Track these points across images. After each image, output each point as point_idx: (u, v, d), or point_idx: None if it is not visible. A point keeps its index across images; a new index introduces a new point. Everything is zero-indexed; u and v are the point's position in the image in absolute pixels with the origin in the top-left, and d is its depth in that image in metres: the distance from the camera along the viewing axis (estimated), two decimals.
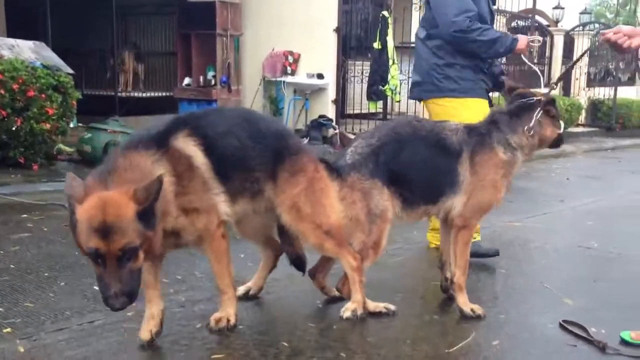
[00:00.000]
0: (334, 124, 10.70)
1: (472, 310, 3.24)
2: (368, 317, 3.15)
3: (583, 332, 3.13)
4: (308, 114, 10.68)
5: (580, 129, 14.62)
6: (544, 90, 3.49)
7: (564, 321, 3.25)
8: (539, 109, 3.29)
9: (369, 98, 11.02)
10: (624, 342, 3.08)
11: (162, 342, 2.82)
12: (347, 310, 3.11)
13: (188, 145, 2.62)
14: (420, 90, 4.23)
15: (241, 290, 3.32)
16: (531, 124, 3.27)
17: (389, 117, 12.24)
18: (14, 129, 6.45)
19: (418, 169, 3.22)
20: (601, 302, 3.65)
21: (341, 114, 11.60)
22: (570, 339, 3.10)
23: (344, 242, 3.06)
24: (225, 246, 2.82)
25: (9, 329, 2.88)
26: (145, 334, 2.76)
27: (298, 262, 3.24)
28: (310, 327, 3.07)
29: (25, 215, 5.10)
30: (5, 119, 6.36)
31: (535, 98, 3.32)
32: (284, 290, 3.55)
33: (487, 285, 3.90)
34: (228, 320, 2.88)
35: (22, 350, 2.68)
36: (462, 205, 3.23)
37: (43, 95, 6.68)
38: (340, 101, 11.59)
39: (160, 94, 11.36)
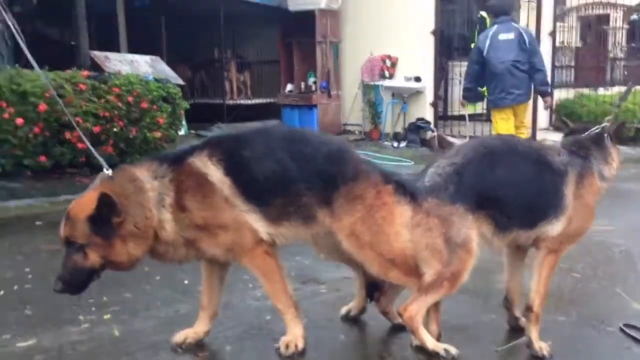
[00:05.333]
0: (432, 126, 10.79)
1: (540, 348, 2.97)
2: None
3: None
4: (406, 116, 10.82)
5: None
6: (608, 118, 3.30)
7: (624, 325, 3.26)
8: (611, 138, 3.14)
9: (464, 99, 10.97)
10: None
11: (234, 331, 3.17)
12: (414, 340, 2.98)
13: (206, 164, 2.76)
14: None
15: (343, 311, 3.34)
16: (612, 155, 3.11)
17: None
18: (130, 137, 7.19)
19: (517, 189, 2.93)
20: None
21: (443, 115, 11.66)
22: (627, 342, 3.12)
23: (412, 271, 2.88)
24: (271, 264, 2.86)
25: (109, 315, 3.36)
26: (179, 337, 3.00)
27: (371, 288, 3.22)
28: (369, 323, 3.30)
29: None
30: (123, 129, 7.11)
31: (602, 126, 3.16)
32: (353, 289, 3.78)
33: (555, 288, 3.91)
34: (296, 346, 2.89)
35: (117, 334, 3.14)
36: (561, 231, 2.96)
37: (154, 107, 7.40)
38: (443, 102, 11.64)
39: (264, 101, 11.95)
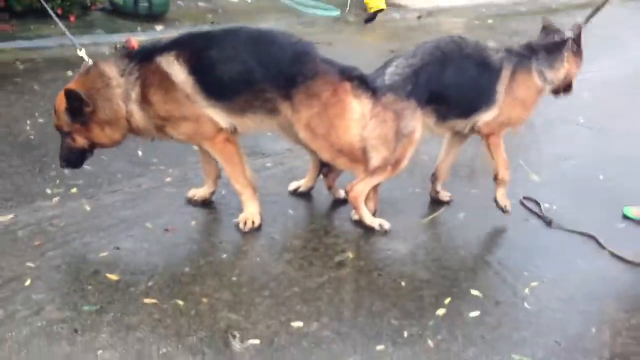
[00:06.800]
0: None
1: (505, 205, 3.63)
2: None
3: (537, 208, 3.82)
4: None
5: None
6: (574, 27, 3.52)
7: (524, 197, 3.92)
8: (567, 48, 3.45)
9: None
10: (626, 218, 3.77)
11: (196, 207, 3.58)
12: (354, 214, 3.51)
13: (171, 64, 3.07)
14: None
15: (291, 187, 3.79)
16: (563, 63, 3.45)
17: None
18: None
19: (460, 87, 3.37)
20: (563, 179, 4.28)
21: None
22: (527, 214, 3.80)
23: (358, 159, 3.29)
24: (231, 150, 3.26)
25: (75, 189, 3.65)
26: (190, 193, 3.62)
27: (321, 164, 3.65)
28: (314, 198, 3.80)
29: (70, 72, 5.68)
30: None
31: (566, 37, 3.45)
32: (296, 161, 4.22)
33: (469, 161, 4.46)
34: (253, 222, 3.35)
35: (87, 209, 3.46)
36: (493, 119, 3.43)
37: None
38: None
39: None
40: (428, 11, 10.60)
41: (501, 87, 3.40)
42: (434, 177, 3.84)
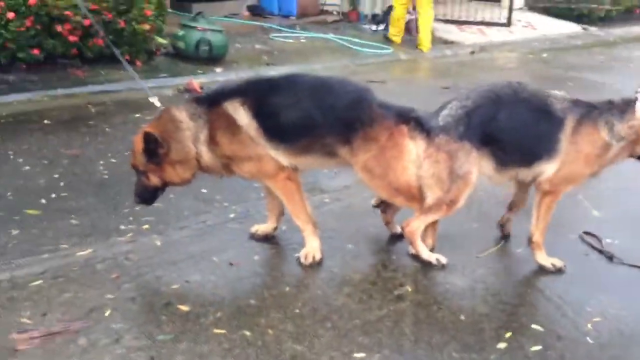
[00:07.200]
0: (411, 8, 10.90)
1: (552, 264, 3.53)
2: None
3: (597, 243, 3.82)
4: None
5: None
6: None
7: (584, 232, 3.93)
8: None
9: None
10: None
11: (258, 242, 3.74)
12: (411, 249, 3.57)
13: (236, 109, 3.29)
14: None
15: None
16: (635, 116, 3.27)
17: None
18: (119, 29, 7.28)
19: (515, 131, 3.33)
20: (625, 214, 4.26)
21: None
22: (587, 249, 3.80)
23: (414, 197, 3.42)
24: (292, 187, 3.43)
25: (147, 226, 3.86)
26: (253, 228, 3.77)
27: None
28: (371, 232, 3.90)
29: (138, 115, 6.05)
30: (111, 21, 7.18)
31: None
32: (353, 198, 4.35)
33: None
34: (314, 257, 3.48)
35: (158, 244, 3.66)
36: (555, 172, 3.36)
37: None
38: None
39: None
40: (481, 47, 10.70)
41: (564, 137, 3.33)
42: (510, 207, 3.86)
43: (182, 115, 3.35)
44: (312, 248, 3.52)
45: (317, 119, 3.32)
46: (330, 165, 3.55)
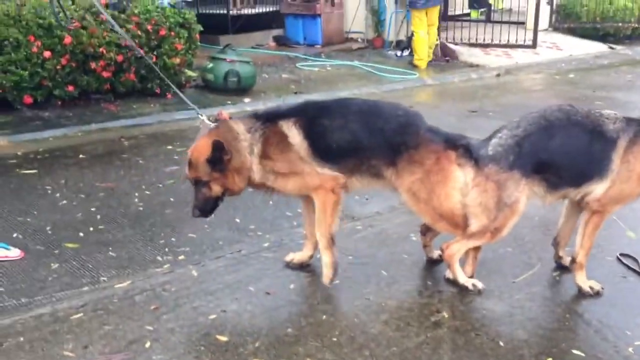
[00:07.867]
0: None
1: (590, 287, 3.49)
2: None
3: (635, 265, 3.76)
4: (409, 25, 10.98)
5: None
6: None
7: (620, 254, 3.87)
8: None
9: (471, 7, 11.14)
10: None
11: (293, 270, 3.76)
12: (448, 273, 3.59)
13: (290, 128, 3.40)
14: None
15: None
16: None
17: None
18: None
19: (570, 155, 3.32)
20: None
21: (444, 16, 11.83)
22: (624, 271, 3.74)
23: (458, 224, 3.43)
24: (332, 199, 3.45)
25: (182, 256, 3.92)
26: (289, 257, 3.82)
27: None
28: (405, 259, 3.90)
29: (170, 147, 6.17)
30: (142, 57, 7.36)
31: None
32: (385, 224, 4.37)
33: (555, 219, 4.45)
34: (330, 280, 3.54)
35: (195, 274, 3.71)
36: (604, 192, 3.32)
37: (172, 33, 7.65)
38: (443, 4, 11.73)
39: (268, 10, 11.98)
40: (506, 69, 10.69)
41: (616, 157, 3.29)
42: (556, 242, 3.80)
43: (239, 127, 3.45)
44: (327, 267, 3.55)
45: (364, 141, 3.41)
46: (376, 187, 3.62)
